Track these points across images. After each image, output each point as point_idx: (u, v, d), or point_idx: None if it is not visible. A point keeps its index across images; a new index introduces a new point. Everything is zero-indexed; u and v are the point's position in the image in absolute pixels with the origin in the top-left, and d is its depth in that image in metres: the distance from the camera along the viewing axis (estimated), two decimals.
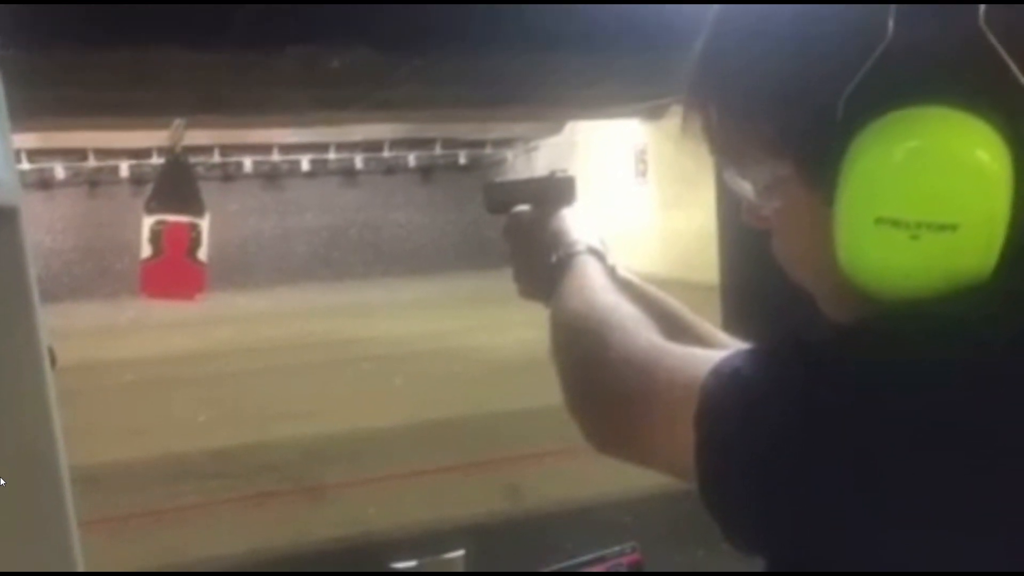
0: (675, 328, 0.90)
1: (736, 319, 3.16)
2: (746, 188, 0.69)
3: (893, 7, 0.57)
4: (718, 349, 0.71)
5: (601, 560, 1.12)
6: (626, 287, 0.93)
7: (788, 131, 0.63)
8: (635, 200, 11.40)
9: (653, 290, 1.01)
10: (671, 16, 2.77)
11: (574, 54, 3.60)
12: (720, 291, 3.59)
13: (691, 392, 0.62)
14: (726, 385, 0.61)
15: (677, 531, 2.35)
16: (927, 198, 0.56)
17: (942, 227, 0.56)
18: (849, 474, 0.54)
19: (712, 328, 0.99)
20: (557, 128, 12.26)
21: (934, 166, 0.56)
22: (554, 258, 0.93)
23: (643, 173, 11.68)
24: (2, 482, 0.55)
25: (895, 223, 0.57)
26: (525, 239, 1.01)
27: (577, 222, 0.99)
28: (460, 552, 1.16)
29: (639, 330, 0.75)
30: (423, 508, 4.22)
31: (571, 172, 1.06)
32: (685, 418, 0.62)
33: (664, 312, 0.96)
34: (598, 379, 0.74)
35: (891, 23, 0.57)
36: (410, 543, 3.26)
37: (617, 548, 1.13)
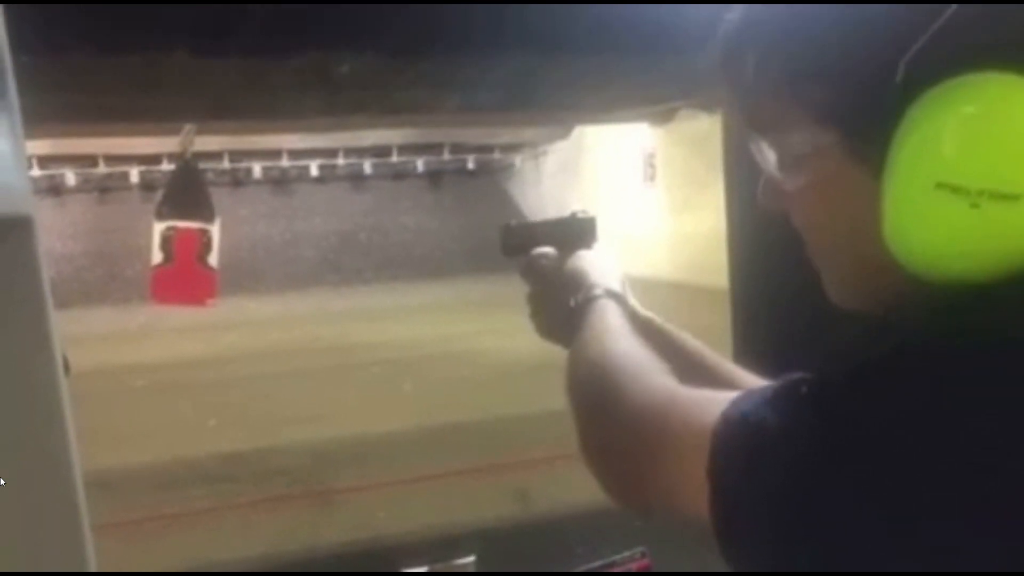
0: (693, 368, 0.89)
1: (745, 323, 3.15)
2: (772, 160, 0.66)
3: None
4: (738, 389, 0.69)
5: (610, 566, 1.12)
6: (646, 329, 0.92)
7: (838, 95, 0.60)
8: (644, 204, 11.39)
9: (674, 330, 1.00)
10: (680, 19, 2.77)
11: (582, 58, 3.60)
12: (730, 295, 3.58)
13: (703, 440, 0.61)
14: (734, 432, 0.59)
15: (686, 535, 2.34)
16: (991, 166, 0.54)
17: (1004, 196, 0.54)
18: (864, 516, 0.53)
19: (732, 366, 0.97)
20: (565, 132, 12.25)
21: (998, 133, 0.54)
22: (573, 302, 0.92)
23: (652, 177, 11.66)
24: (13, 484, 0.55)
25: (955, 189, 0.54)
26: (544, 281, 1.00)
27: (597, 264, 0.97)
28: (471, 558, 1.16)
29: (652, 377, 0.73)
30: (433, 512, 4.22)
31: (590, 213, 1.04)
32: (699, 468, 0.60)
33: (684, 354, 0.95)
34: (610, 428, 0.72)
35: None
36: (420, 548, 3.26)
37: (627, 553, 1.13)
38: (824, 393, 0.57)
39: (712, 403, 0.63)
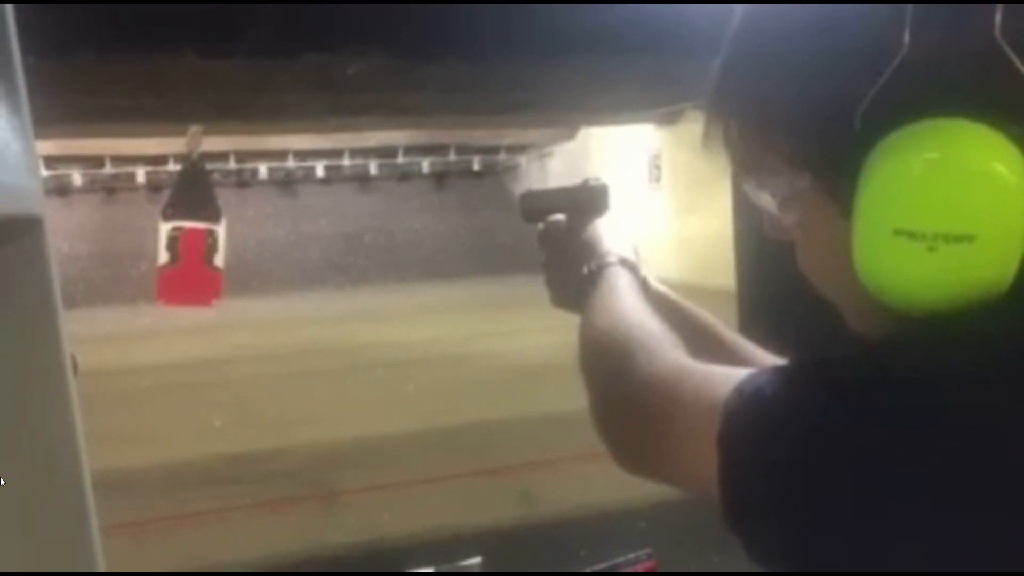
0: (706, 342, 0.90)
1: (752, 324, 3.14)
2: (766, 200, 0.69)
3: (909, 19, 0.57)
4: (748, 364, 0.70)
5: (616, 568, 1.12)
6: (658, 300, 0.93)
7: (805, 144, 0.63)
8: (649, 206, 11.39)
9: (686, 303, 1.01)
10: (685, 21, 2.77)
11: (588, 59, 3.60)
12: (736, 296, 3.58)
13: (713, 412, 0.62)
14: (748, 405, 0.61)
15: (692, 536, 2.34)
16: (944, 209, 0.56)
17: (959, 238, 0.56)
18: (873, 493, 0.54)
19: (745, 341, 0.99)
20: (571, 134, 12.27)
21: (951, 178, 0.56)
22: (586, 269, 0.93)
23: (657, 179, 11.66)
24: (23, 483, 0.56)
25: (912, 235, 0.57)
26: (559, 248, 1.01)
27: (610, 232, 0.99)
28: (476, 559, 1.16)
29: (664, 348, 0.74)
30: (438, 514, 4.22)
31: (603, 179, 1.06)
32: (708, 438, 0.62)
33: (695, 326, 0.96)
34: (622, 398, 0.74)
35: (907, 35, 0.57)
36: (425, 549, 3.26)
37: (632, 555, 1.13)
38: (838, 371, 0.59)
39: (724, 377, 0.65)
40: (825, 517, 0.56)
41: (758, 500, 0.59)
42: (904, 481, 0.54)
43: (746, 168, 0.70)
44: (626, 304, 0.85)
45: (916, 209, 0.57)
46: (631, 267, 0.93)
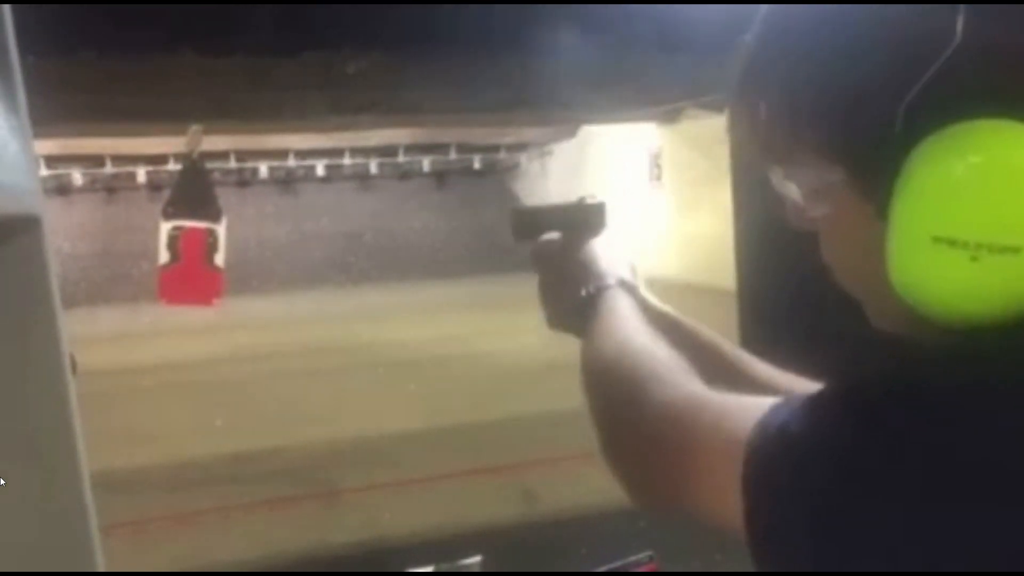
0: (711, 362, 0.87)
1: (753, 323, 3.14)
2: (792, 191, 0.66)
3: (962, 9, 0.53)
4: (751, 379, 0.68)
5: (617, 571, 1.11)
6: (659, 320, 0.89)
7: (840, 137, 0.59)
8: (650, 204, 11.38)
9: (686, 319, 0.98)
10: (687, 20, 2.77)
11: (588, 58, 3.60)
12: (737, 295, 3.58)
13: (734, 447, 0.59)
14: (774, 443, 0.57)
15: (693, 535, 2.34)
16: (989, 218, 0.53)
17: (1004, 249, 0.52)
18: (907, 531, 0.51)
19: (746, 355, 0.95)
20: (572, 132, 12.26)
21: (997, 183, 0.52)
22: (584, 292, 0.90)
23: (658, 177, 11.65)
24: (22, 483, 0.56)
25: (953, 243, 0.53)
26: (553, 268, 0.97)
27: (607, 252, 0.95)
28: (476, 558, 1.16)
29: (675, 378, 0.71)
30: (438, 513, 4.22)
31: (600, 199, 1.02)
32: (730, 475, 0.59)
33: (697, 343, 0.92)
34: (634, 431, 0.70)
35: (959, 28, 0.53)
36: (426, 548, 3.26)
37: (634, 558, 1.12)
38: (867, 400, 0.56)
39: (744, 411, 0.61)
40: (860, 557, 0.53)
41: (788, 543, 0.56)
42: (944, 514, 0.51)
43: (773, 157, 0.66)
44: (631, 330, 0.82)
45: (958, 216, 0.53)
46: (630, 289, 0.90)
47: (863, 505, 0.53)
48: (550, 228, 1.01)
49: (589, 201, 1.02)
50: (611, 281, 0.90)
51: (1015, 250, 0.52)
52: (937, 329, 0.58)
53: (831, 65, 0.59)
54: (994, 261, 0.53)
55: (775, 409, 0.59)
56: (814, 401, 0.58)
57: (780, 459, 0.57)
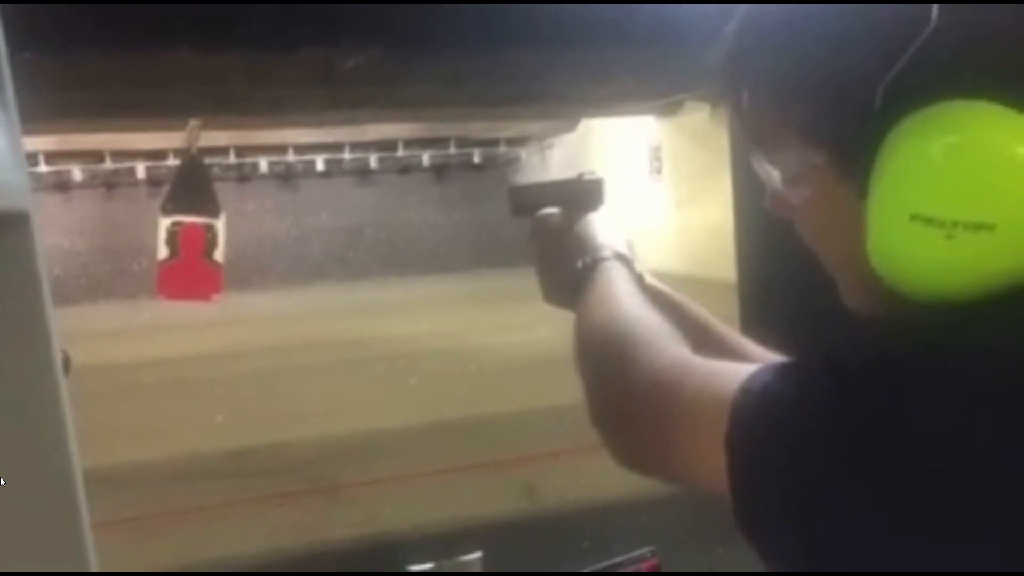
0: (702, 338, 0.88)
1: (753, 316, 3.14)
2: (774, 176, 0.67)
3: None
4: (746, 360, 0.69)
5: (618, 567, 1.11)
6: (653, 295, 0.90)
7: (821, 119, 0.61)
8: (650, 197, 11.38)
9: (681, 298, 0.99)
10: (686, 12, 2.76)
11: (588, 51, 3.59)
12: (737, 288, 3.57)
13: (719, 411, 0.61)
14: (756, 403, 0.60)
15: (696, 529, 2.34)
16: (964, 196, 0.54)
17: (978, 227, 0.54)
18: (886, 489, 0.53)
19: (740, 336, 0.98)
20: (571, 126, 12.25)
21: (972, 163, 0.54)
22: (580, 264, 0.91)
23: (658, 170, 11.66)
24: (10, 483, 0.55)
25: (929, 221, 0.55)
26: (551, 243, 0.99)
27: (604, 227, 0.96)
28: (477, 554, 1.16)
29: (664, 344, 0.72)
30: (439, 508, 4.22)
31: (598, 174, 1.03)
32: (714, 438, 0.61)
33: (691, 321, 0.94)
34: (622, 396, 0.72)
35: (935, 11, 0.55)
36: (426, 544, 3.26)
37: (635, 553, 1.12)
38: (845, 368, 0.58)
39: (728, 374, 0.63)
40: (840, 513, 0.55)
41: (770, 501, 0.58)
42: (921, 473, 0.52)
43: (757, 141, 0.68)
44: (623, 299, 0.83)
45: (935, 194, 0.55)
46: (626, 262, 0.91)
47: (838, 460, 0.55)
48: (549, 204, 1.02)
49: (587, 177, 1.03)
50: (607, 254, 0.91)
51: (989, 227, 0.54)
52: (907, 307, 0.60)
53: (812, 51, 0.61)
54: (968, 239, 0.55)
55: (758, 372, 0.62)
56: (795, 366, 0.61)
57: (761, 417, 0.59)
